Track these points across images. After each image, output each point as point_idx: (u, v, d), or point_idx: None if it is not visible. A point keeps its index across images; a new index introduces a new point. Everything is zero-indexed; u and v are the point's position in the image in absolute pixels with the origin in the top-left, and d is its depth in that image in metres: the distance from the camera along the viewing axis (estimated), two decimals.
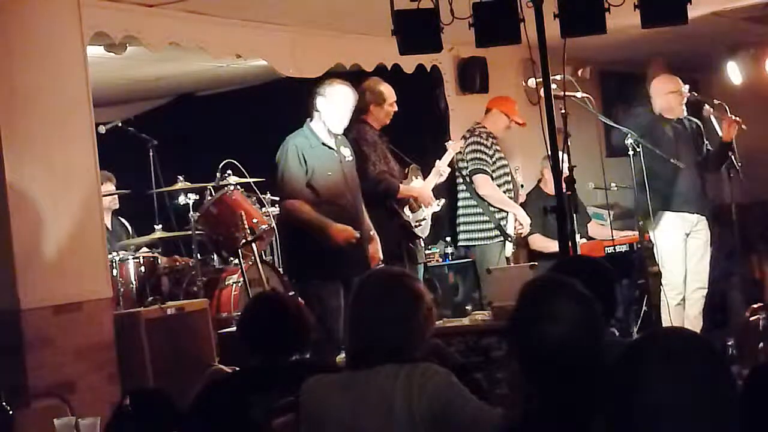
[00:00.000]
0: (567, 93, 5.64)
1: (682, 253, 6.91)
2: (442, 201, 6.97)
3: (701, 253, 7.03)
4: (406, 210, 6.66)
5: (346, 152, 5.89)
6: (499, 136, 7.47)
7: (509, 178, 7.41)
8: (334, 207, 5.73)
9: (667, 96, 6.95)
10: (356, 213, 5.84)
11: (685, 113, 7.01)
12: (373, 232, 6.16)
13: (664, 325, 6.36)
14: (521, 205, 7.54)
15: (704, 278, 7.05)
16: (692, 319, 6.94)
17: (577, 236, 5.39)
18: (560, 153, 5.08)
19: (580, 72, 8.76)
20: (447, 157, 6.95)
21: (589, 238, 7.80)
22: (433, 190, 6.87)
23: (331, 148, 5.82)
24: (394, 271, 3.57)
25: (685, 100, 6.94)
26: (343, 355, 5.48)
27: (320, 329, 5.23)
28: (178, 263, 6.96)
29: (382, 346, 2.95)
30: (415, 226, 6.71)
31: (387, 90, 6.56)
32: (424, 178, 6.90)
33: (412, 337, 2.99)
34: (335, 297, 5.64)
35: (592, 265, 3.46)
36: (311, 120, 5.88)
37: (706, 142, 7.07)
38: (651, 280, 6.97)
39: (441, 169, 6.90)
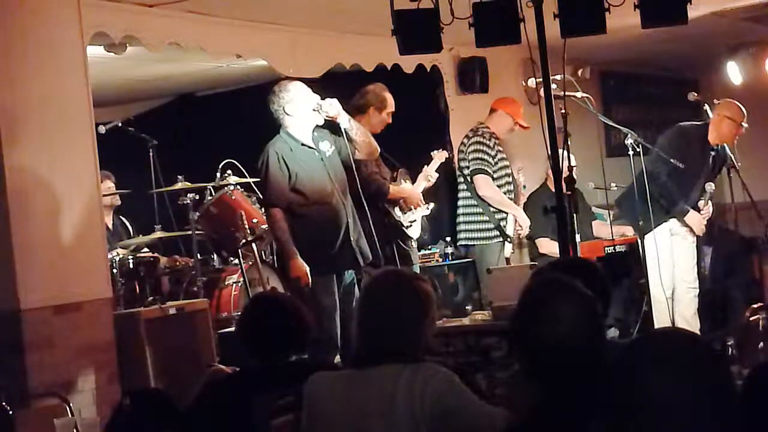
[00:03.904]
0: (567, 93, 5.64)
1: (669, 252, 6.92)
2: (431, 205, 7.00)
3: (689, 254, 7.03)
4: (396, 210, 6.68)
5: (325, 146, 5.82)
6: (501, 137, 7.47)
7: (510, 179, 7.42)
8: (324, 207, 5.71)
9: (723, 119, 6.91)
10: (346, 209, 5.81)
11: (733, 143, 7.01)
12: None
13: (661, 326, 6.36)
14: (526, 203, 7.56)
15: (693, 278, 7.04)
16: (689, 319, 6.94)
17: (577, 236, 5.38)
18: (563, 152, 5.08)
19: (580, 72, 8.76)
20: (434, 164, 7.00)
21: (595, 238, 7.79)
22: (424, 193, 6.90)
23: (311, 147, 5.79)
24: (405, 272, 3.58)
25: (739, 134, 6.92)
26: (339, 357, 5.52)
27: (317, 329, 5.22)
28: (178, 263, 6.96)
29: (389, 346, 2.96)
30: (407, 227, 6.73)
31: (390, 99, 6.56)
32: (413, 181, 6.92)
33: (418, 338, 3.01)
34: (330, 294, 5.64)
35: (585, 267, 3.45)
36: (285, 126, 5.81)
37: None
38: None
39: (429, 175, 6.94)
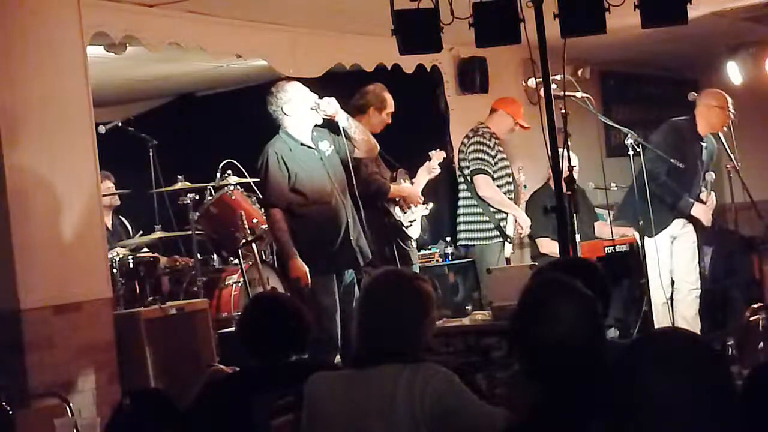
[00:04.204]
0: (567, 93, 5.64)
1: (668, 255, 6.92)
2: (431, 205, 7.00)
3: (690, 255, 7.04)
4: (396, 210, 6.68)
5: (325, 146, 5.82)
6: (502, 137, 7.47)
7: (510, 179, 7.42)
8: (323, 206, 5.71)
9: (711, 108, 6.92)
10: (345, 208, 5.80)
11: (724, 130, 7.00)
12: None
13: (662, 326, 6.35)
14: (528, 202, 7.57)
15: (695, 279, 7.06)
16: (690, 321, 6.94)
17: (578, 236, 5.38)
18: (563, 152, 5.08)
19: (580, 72, 8.76)
20: (434, 162, 7.02)
21: (596, 238, 7.78)
22: (424, 193, 6.91)
23: (310, 147, 5.79)
24: (405, 272, 3.58)
25: (728, 121, 6.92)
26: (339, 357, 5.51)
27: (317, 329, 5.22)
28: (178, 263, 6.96)
29: (389, 346, 2.96)
30: (406, 227, 6.73)
31: (389, 99, 6.58)
32: (412, 181, 6.94)
33: (418, 338, 3.02)
34: (330, 294, 5.64)
35: (585, 267, 3.44)
36: (284, 126, 5.80)
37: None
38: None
39: (431, 167, 6.94)
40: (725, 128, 6.95)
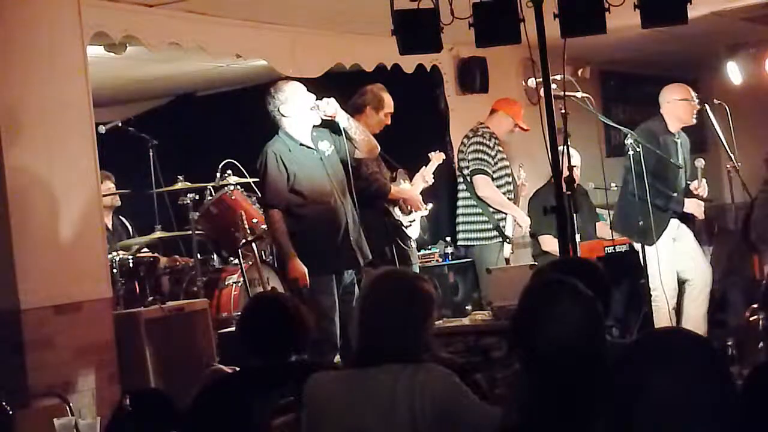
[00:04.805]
0: (567, 93, 5.63)
1: (671, 257, 6.90)
2: (430, 206, 7.01)
3: (695, 253, 7.01)
4: (396, 210, 6.69)
5: (325, 146, 5.81)
6: (501, 138, 7.48)
7: (510, 179, 7.43)
8: (322, 206, 5.70)
9: (676, 103, 6.91)
10: (345, 208, 5.80)
11: (694, 122, 6.98)
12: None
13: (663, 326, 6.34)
14: (532, 199, 7.56)
15: (708, 277, 7.01)
16: (700, 320, 6.90)
17: (578, 236, 5.38)
18: (564, 151, 5.08)
19: (580, 72, 8.77)
20: (431, 166, 7.02)
21: (597, 238, 7.77)
22: (423, 193, 6.92)
23: (309, 147, 5.79)
24: (406, 272, 3.59)
25: (696, 110, 6.90)
26: (338, 357, 5.52)
27: (316, 329, 5.21)
28: (178, 263, 6.96)
29: (389, 346, 2.97)
30: (406, 227, 6.74)
31: (388, 99, 6.56)
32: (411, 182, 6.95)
33: (419, 338, 3.02)
34: (329, 294, 5.63)
35: (586, 267, 3.44)
36: (283, 126, 5.79)
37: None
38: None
39: (426, 177, 6.97)
40: (694, 118, 6.92)
